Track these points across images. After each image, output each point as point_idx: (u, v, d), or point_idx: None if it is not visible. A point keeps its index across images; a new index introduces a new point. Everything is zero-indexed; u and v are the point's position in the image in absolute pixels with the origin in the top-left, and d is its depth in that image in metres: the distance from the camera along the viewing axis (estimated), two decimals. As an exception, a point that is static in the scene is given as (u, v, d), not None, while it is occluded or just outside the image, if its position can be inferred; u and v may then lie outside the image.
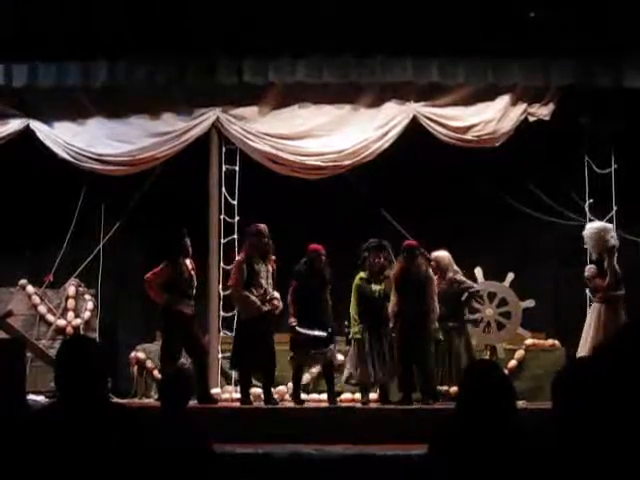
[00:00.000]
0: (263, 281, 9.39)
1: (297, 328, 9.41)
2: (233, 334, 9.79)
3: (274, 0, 10.15)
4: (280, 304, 9.48)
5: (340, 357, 10.25)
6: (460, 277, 9.92)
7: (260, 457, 7.38)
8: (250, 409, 9.16)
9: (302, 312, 9.47)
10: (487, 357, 10.24)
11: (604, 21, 9.92)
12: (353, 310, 9.66)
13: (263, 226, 9.54)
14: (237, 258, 9.73)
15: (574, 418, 2.44)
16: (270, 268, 9.50)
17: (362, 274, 9.76)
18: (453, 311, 9.81)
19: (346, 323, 9.81)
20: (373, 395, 9.86)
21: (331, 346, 9.51)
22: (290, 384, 9.89)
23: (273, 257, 9.58)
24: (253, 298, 9.30)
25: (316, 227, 11.75)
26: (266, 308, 9.37)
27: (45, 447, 3.20)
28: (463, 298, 9.91)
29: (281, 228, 11.52)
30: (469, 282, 10.01)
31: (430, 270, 9.64)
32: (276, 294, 9.48)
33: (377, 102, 10.74)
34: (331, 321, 9.56)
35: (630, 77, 10.21)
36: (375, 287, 9.67)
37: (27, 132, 10.69)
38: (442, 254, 9.96)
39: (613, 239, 9.80)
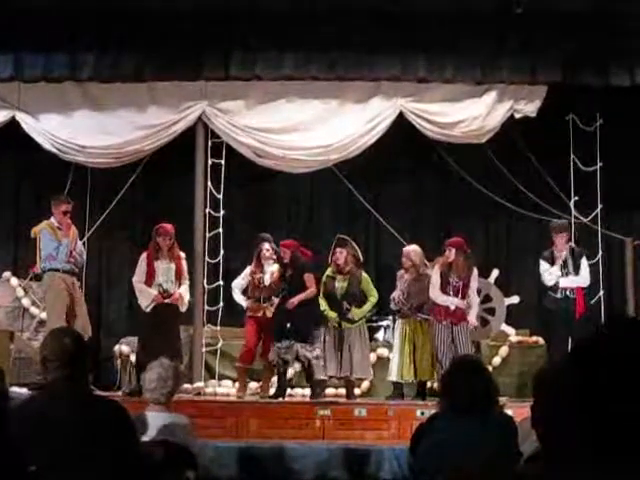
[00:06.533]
0: (161, 278, 9.56)
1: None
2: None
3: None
4: (178, 298, 9.60)
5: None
6: (429, 271, 9.82)
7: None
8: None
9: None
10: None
11: (591, 20, 9.94)
12: (320, 307, 9.68)
13: (169, 226, 9.67)
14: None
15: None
16: (173, 266, 9.64)
17: (328, 271, 9.81)
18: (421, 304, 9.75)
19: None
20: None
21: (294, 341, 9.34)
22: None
23: (182, 254, 9.78)
24: (146, 289, 9.56)
25: (301, 222, 11.79)
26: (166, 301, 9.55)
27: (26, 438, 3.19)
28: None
29: (265, 223, 11.55)
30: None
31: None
32: (177, 290, 9.61)
33: (364, 97, 10.72)
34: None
35: (616, 75, 10.23)
36: (337, 284, 9.70)
37: (13, 124, 10.62)
38: (415, 248, 9.92)
39: None
